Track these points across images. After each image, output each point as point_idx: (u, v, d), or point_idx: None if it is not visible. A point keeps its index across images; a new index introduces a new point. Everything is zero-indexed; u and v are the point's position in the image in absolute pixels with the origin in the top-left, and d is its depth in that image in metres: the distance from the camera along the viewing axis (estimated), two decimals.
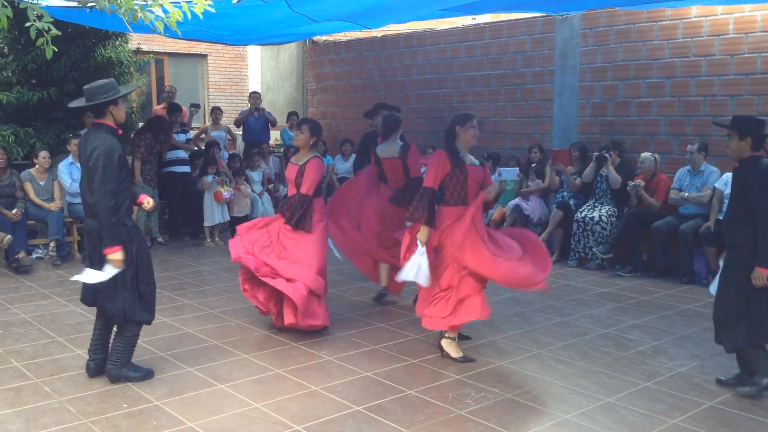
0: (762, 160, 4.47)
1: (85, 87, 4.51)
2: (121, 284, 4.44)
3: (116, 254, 4.33)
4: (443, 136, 5.38)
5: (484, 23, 10.22)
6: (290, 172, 5.75)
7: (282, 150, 11.70)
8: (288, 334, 5.62)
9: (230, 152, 10.95)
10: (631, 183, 7.94)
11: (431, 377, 4.78)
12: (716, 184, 7.46)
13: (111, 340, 4.71)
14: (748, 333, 4.43)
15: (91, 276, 4.39)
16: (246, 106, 11.83)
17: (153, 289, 4.66)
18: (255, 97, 11.54)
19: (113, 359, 4.61)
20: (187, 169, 9.90)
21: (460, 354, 5.10)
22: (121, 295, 4.46)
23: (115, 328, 4.69)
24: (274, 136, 12.39)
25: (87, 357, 4.75)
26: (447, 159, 5.06)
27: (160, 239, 9.51)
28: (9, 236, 7.74)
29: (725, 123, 4.75)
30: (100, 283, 4.41)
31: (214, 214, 9.55)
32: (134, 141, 9.28)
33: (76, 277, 4.48)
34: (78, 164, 8.50)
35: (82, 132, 8.87)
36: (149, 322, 4.69)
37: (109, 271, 4.34)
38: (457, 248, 4.94)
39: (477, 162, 5.29)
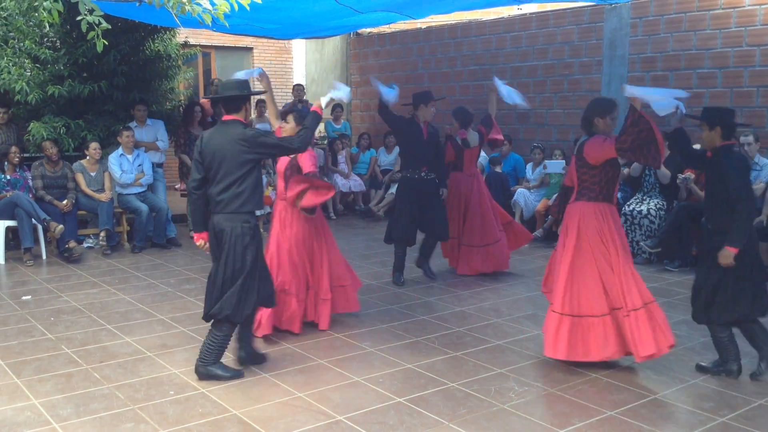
0: (733, 148, 4.65)
1: (223, 81, 4.66)
2: (249, 283, 4.45)
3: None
4: (582, 125, 4.92)
5: (531, 13, 10.10)
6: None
7: (326, 142, 11.76)
8: (331, 326, 5.66)
9: None
10: (680, 176, 7.77)
11: (474, 370, 4.76)
12: None
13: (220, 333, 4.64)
14: (718, 313, 4.56)
15: None
16: (291, 98, 11.90)
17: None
18: (299, 89, 11.61)
19: (203, 356, 4.52)
20: None
21: None
22: (245, 294, 4.43)
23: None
24: (318, 128, 12.44)
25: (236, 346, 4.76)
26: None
27: None
28: (61, 226, 7.93)
29: (697, 114, 4.82)
30: (229, 289, 4.40)
31: None
32: (176, 136, 9.45)
33: None
34: (128, 156, 8.70)
35: (132, 124, 9.06)
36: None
37: None
38: None
39: None
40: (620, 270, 4.63)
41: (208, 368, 4.52)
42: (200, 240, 4.68)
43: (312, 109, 4.92)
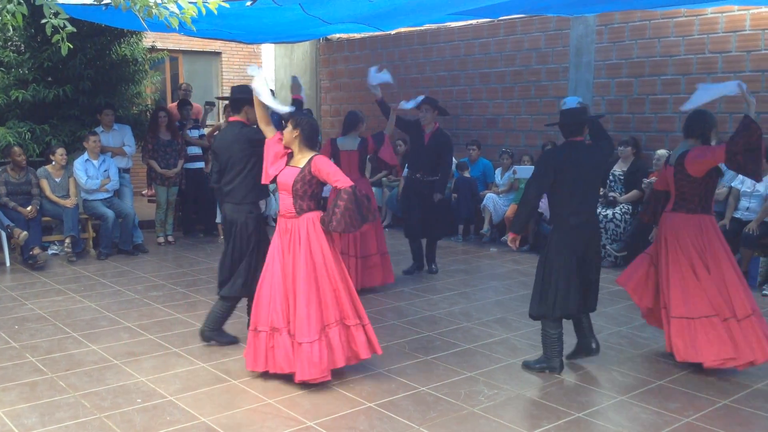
0: (564, 143, 4.92)
1: (233, 87, 5.30)
2: (244, 264, 5.11)
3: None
4: (697, 135, 4.83)
5: (498, 20, 10.18)
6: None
7: None
8: None
9: None
10: (645, 180, 7.90)
11: (444, 374, 4.78)
12: (732, 183, 7.40)
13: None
14: (539, 307, 4.74)
15: None
16: None
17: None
18: None
19: (209, 322, 5.24)
20: (200, 165, 9.94)
21: None
22: (240, 273, 5.10)
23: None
24: None
25: None
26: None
27: (170, 238, 9.49)
28: (25, 233, 7.81)
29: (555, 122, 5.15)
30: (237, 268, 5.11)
31: None
32: (144, 141, 9.37)
33: None
34: (94, 162, 8.59)
35: (98, 129, 8.94)
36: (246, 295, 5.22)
37: None
38: None
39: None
40: (725, 278, 4.64)
41: (212, 333, 5.26)
42: None
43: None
